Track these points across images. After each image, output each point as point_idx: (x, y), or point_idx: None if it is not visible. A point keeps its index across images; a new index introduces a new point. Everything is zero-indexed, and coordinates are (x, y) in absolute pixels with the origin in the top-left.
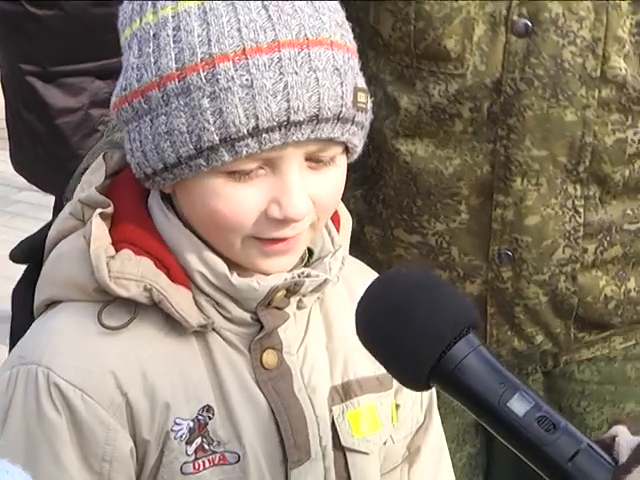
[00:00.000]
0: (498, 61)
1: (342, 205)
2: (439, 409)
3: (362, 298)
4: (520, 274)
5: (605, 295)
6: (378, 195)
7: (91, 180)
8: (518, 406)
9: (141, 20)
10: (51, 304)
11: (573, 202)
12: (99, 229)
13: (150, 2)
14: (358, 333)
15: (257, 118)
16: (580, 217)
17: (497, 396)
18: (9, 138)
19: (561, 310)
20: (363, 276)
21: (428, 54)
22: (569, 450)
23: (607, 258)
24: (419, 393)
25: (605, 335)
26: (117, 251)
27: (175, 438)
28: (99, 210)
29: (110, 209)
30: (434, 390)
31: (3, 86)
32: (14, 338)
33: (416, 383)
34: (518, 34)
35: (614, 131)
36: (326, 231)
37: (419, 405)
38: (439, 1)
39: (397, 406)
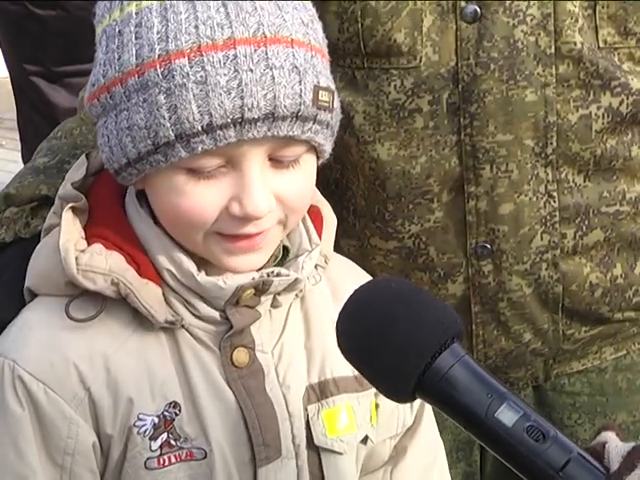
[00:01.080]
0: (451, 49)
1: (328, 205)
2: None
3: (342, 311)
4: (500, 266)
5: (590, 282)
6: (348, 207)
7: (72, 177)
8: (506, 416)
9: (110, 17)
10: (33, 297)
11: (546, 186)
12: (69, 223)
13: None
14: (340, 348)
15: (211, 115)
16: (555, 201)
17: (485, 407)
18: (20, 139)
19: (547, 301)
20: (352, 276)
21: (379, 51)
22: (560, 460)
23: (588, 243)
24: None
25: (595, 334)
26: (89, 245)
27: (138, 433)
28: (70, 204)
29: (82, 203)
30: None
31: (13, 88)
32: None
33: (402, 396)
34: (468, 20)
35: (577, 108)
36: (304, 229)
37: (408, 407)
38: None
39: (377, 405)
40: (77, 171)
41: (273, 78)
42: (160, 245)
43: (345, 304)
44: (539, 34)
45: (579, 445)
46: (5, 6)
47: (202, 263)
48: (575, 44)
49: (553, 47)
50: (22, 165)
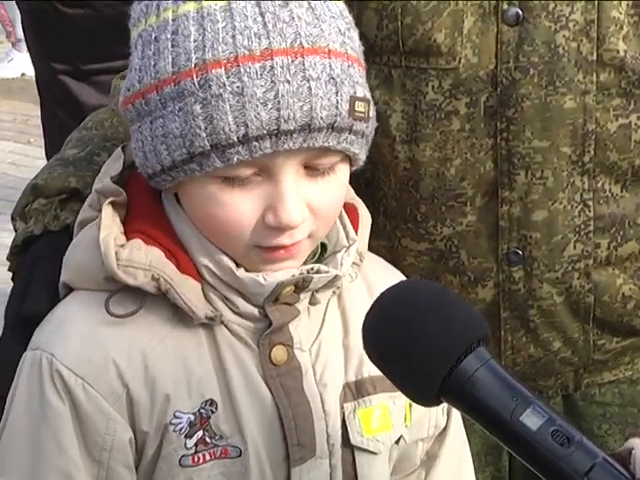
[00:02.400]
0: (491, 52)
1: (362, 203)
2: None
3: (369, 312)
4: (531, 273)
5: (623, 294)
6: (378, 207)
7: (109, 171)
8: (531, 420)
9: (146, 22)
10: (69, 291)
11: (581, 195)
12: (109, 217)
13: (155, 3)
14: (366, 349)
15: (247, 126)
16: (590, 211)
17: (510, 410)
18: (44, 136)
19: (577, 311)
20: (386, 274)
21: (418, 50)
22: (584, 464)
23: (623, 255)
24: None
25: (626, 345)
26: (129, 240)
27: (174, 431)
28: (110, 199)
29: (122, 198)
30: None
31: (38, 85)
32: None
33: (426, 399)
34: (509, 23)
35: (617, 117)
36: (341, 226)
37: (440, 409)
38: None
39: (410, 406)
40: (114, 164)
41: (310, 90)
42: (199, 242)
43: (371, 306)
44: (581, 40)
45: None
46: (33, 5)
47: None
48: (618, 52)
49: (595, 54)
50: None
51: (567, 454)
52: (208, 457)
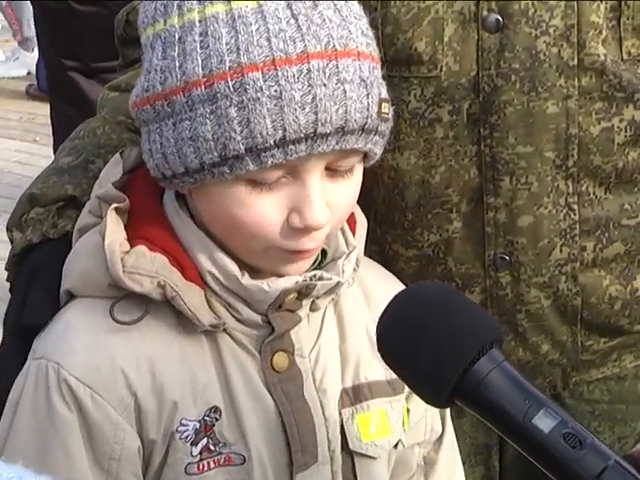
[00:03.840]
0: (472, 59)
1: (358, 207)
2: None
3: (383, 315)
4: (519, 278)
5: (610, 295)
6: (369, 213)
7: (108, 177)
8: (544, 422)
9: (165, 22)
10: (71, 298)
11: (566, 199)
12: (114, 224)
13: (176, 3)
14: (380, 352)
15: (285, 130)
16: (575, 214)
17: (522, 412)
18: (53, 133)
19: (565, 314)
20: (381, 279)
21: (399, 59)
22: (597, 467)
23: (608, 256)
24: None
25: (614, 345)
26: (132, 247)
27: (180, 439)
28: (114, 205)
29: (126, 204)
30: None
31: (49, 83)
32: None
33: (439, 400)
34: (490, 30)
35: (599, 120)
36: (340, 232)
37: (437, 413)
38: (406, 2)
39: (408, 410)
40: (113, 170)
41: (345, 92)
42: (203, 248)
43: (386, 309)
44: (562, 45)
45: None
46: (45, 2)
47: (243, 266)
48: (598, 56)
49: (576, 59)
50: None
51: (579, 456)
52: (212, 465)
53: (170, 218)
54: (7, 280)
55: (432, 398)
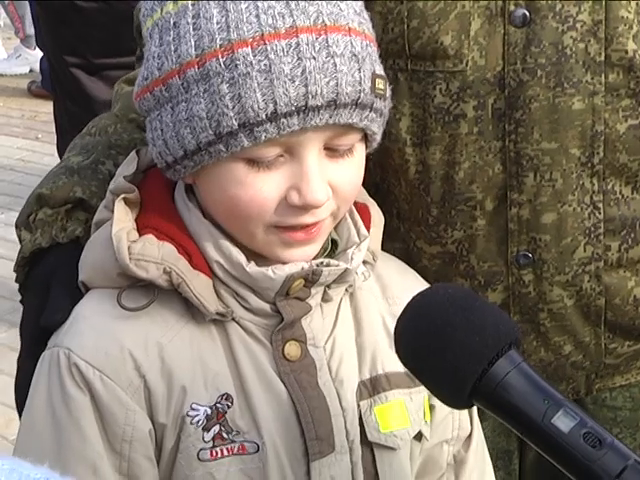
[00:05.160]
0: (498, 54)
1: (375, 204)
2: None
3: (401, 316)
4: (541, 276)
5: (635, 297)
6: (391, 210)
7: (122, 173)
8: (563, 423)
9: (162, 10)
10: (86, 291)
11: (591, 197)
12: (121, 213)
13: None
14: (397, 352)
15: (275, 103)
16: (600, 213)
17: (541, 413)
18: (56, 130)
19: (588, 314)
20: (401, 274)
21: (424, 53)
22: (616, 467)
23: (634, 257)
24: None
25: (638, 349)
26: (141, 236)
27: (191, 423)
28: (122, 195)
29: (134, 195)
30: None
31: (52, 80)
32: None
33: (458, 402)
34: (516, 24)
35: (626, 117)
36: (352, 223)
37: (465, 411)
38: None
39: (431, 407)
40: (128, 166)
41: (335, 65)
42: (209, 237)
43: (404, 309)
44: (589, 41)
45: None
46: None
47: (250, 255)
48: (627, 52)
49: (603, 54)
50: (58, 158)
51: (599, 456)
52: (226, 452)
53: (180, 210)
54: (16, 281)
55: (451, 399)
